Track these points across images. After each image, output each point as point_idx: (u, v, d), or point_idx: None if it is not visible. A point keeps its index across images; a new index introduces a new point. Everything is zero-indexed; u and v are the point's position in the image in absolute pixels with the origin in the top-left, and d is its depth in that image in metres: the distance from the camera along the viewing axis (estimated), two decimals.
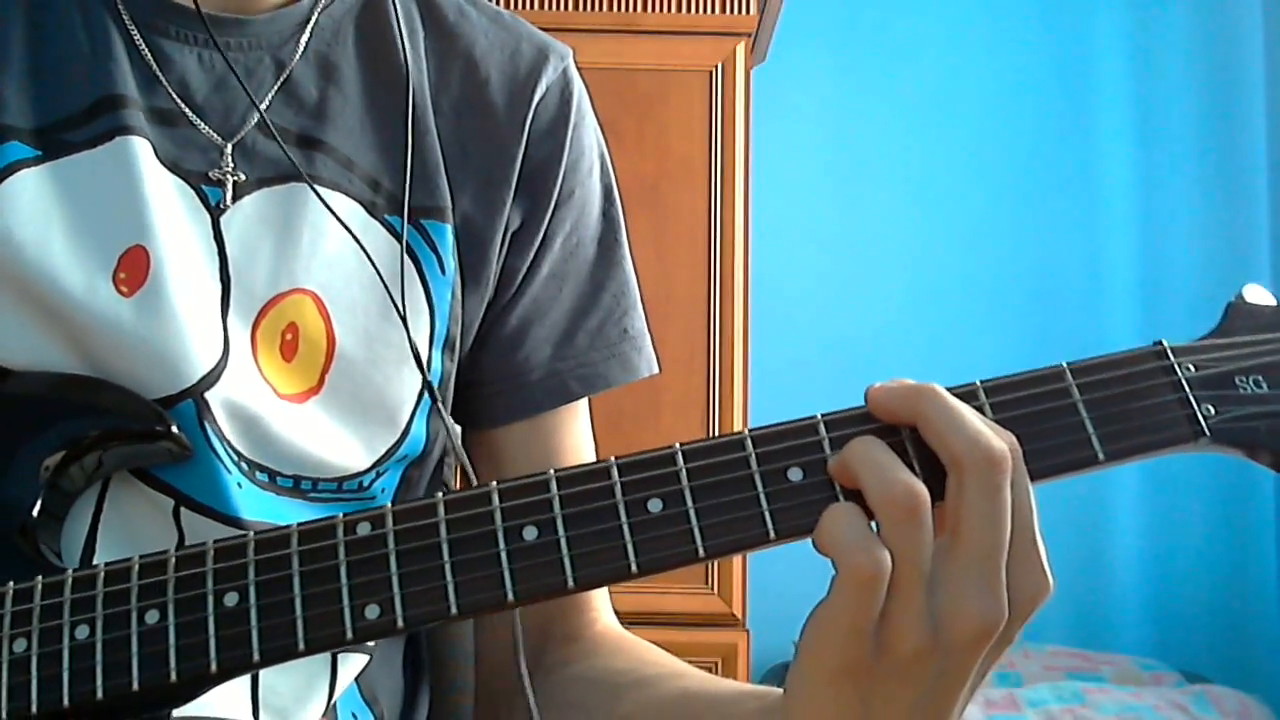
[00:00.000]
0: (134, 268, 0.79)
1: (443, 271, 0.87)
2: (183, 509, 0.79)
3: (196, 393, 0.78)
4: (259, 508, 0.80)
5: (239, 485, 0.80)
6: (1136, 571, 2.89)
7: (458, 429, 0.96)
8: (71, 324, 0.78)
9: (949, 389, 0.62)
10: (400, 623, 0.62)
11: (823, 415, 0.63)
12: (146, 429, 0.77)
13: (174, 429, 0.77)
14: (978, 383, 0.63)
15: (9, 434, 0.76)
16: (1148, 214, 2.99)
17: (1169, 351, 0.64)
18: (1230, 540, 2.89)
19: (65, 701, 0.63)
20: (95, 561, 0.75)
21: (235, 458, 0.80)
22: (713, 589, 2.32)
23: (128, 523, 0.78)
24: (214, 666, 0.62)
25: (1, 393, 0.78)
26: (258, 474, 0.81)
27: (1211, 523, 2.87)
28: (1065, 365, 0.64)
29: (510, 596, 0.62)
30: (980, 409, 0.62)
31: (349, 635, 0.62)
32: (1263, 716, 2.44)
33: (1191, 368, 0.64)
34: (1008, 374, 0.64)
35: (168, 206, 0.80)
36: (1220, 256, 2.97)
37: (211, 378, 0.79)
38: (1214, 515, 2.86)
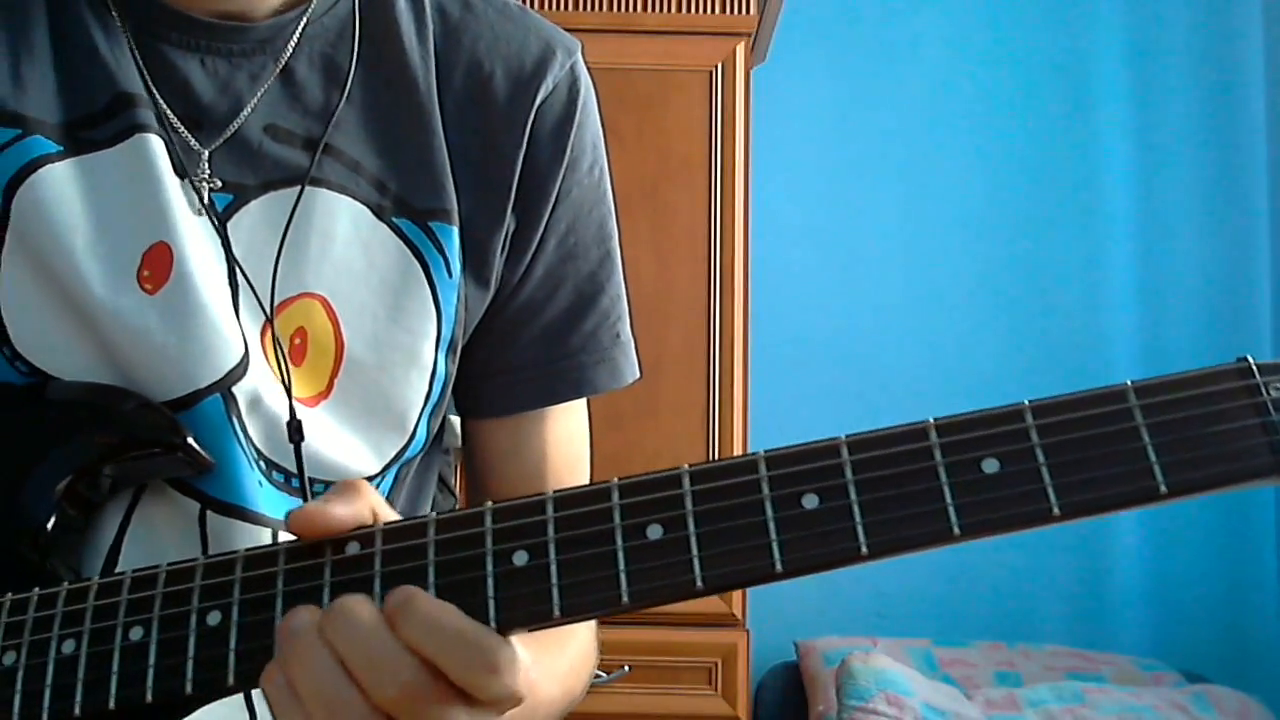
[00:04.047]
0: (158, 264, 0.79)
1: (449, 275, 0.86)
2: (209, 513, 0.79)
3: (224, 387, 0.79)
4: (277, 508, 0.80)
5: (259, 484, 0.80)
6: (1136, 571, 2.89)
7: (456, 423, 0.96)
8: (99, 322, 0.78)
9: (996, 409, 0.58)
10: None
11: (847, 437, 0.59)
12: (162, 442, 0.77)
13: (190, 441, 0.77)
14: (1025, 403, 0.58)
15: (28, 449, 0.76)
16: (1148, 215, 2.99)
17: (1255, 369, 0.56)
18: (1230, 540, 2.89)
19: (44, 718, 0.62)
20: (117, 571, 0.75)
21: (256, 455, 0.80)
22: None
23: (153, 531, 0.79)
24: (189, 688, 0.61)
25: (30, 404, 0.78)
26: (274, 474, 0.81)
27: (1211, 523, 2.87)
28: (1129, 384, 0.57)
29: (493, 625, 0.59)
30: (1025, 431, 0.57)
31: None
32: (1263, 716, 2.44)
33: None
34: (1064, 393, 0.58)
35: (182, 207, 0.81)
36: (1220, 257, 2.97)
37: (238, 372, 0.79)
38: (1214, 515, 2.86)
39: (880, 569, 2.91)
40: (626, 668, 2.28)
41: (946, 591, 2.83)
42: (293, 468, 0.82)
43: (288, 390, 0.80)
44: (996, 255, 2.96)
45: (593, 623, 0.93)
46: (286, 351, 0.82)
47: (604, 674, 2.25)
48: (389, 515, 0.64)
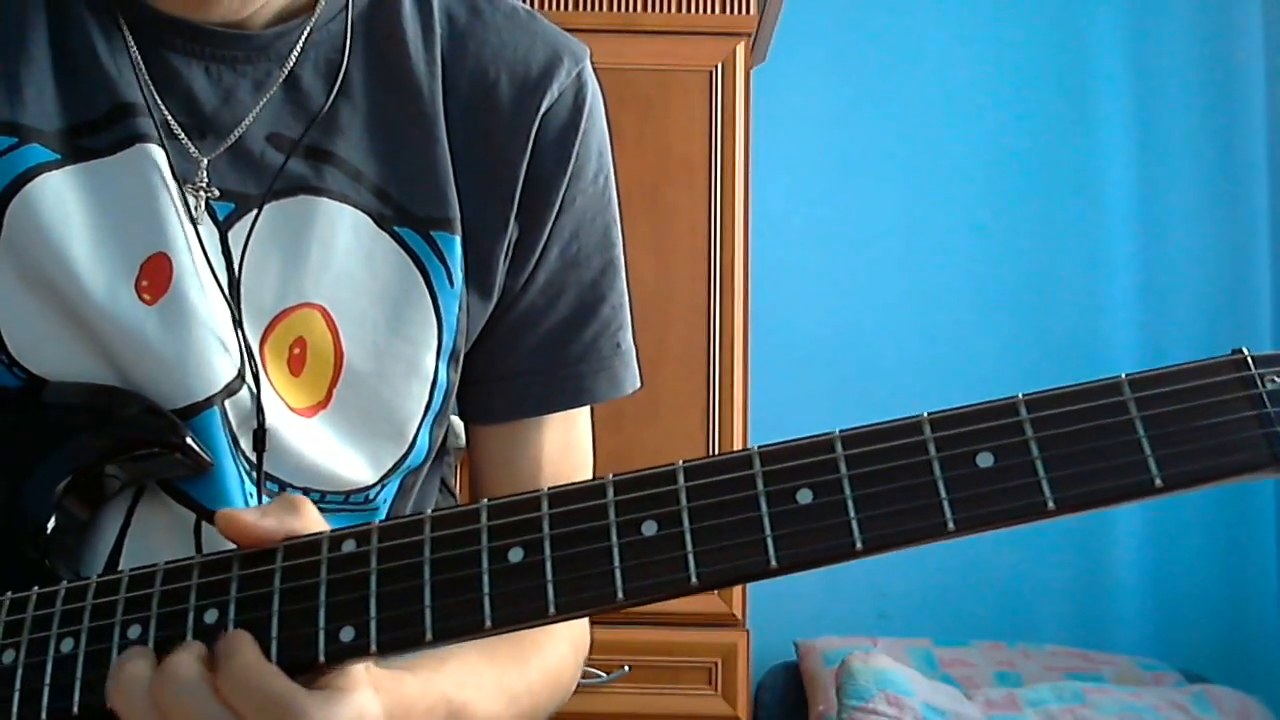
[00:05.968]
0: (156, 275, 0.79)
1: (451, 284, 0.86)
2: (204, 524, 0.79)
3: (218, 401, 0.79)
4: None
5: (250, 496, 0.80)
6: (1136, 571, 2.89)
7: (460, 427, 0.95)
8: (96, 330, 0.78)
9: (990, 402, 0.58)
10: (374, 646, 0.60)
11: (841, 432, 0.59)
12: (162, 442, 0.77)
13: (189, 441, 0.77)
14: (1019, 396, 0.58)
15: (29, 448, 0.76)
16: (1148, 215, 2.99)
17: (1250, 361, 0.56)
18: (1230, 540, 2.89)
19: (43, 716, 0.63)
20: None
21: (249, 466, 0.80)
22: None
23: (150, 538, 0.79)
24: None
25: (29, 405, 0.78)
26: (268, 484, 0.81)
27: (1211, 523, 2.87)
28: (1124, 377, 0.57)
29: (488, 623, 0.59)
30: (1019, 425, 0.57)
31: (321, 658, 0.60)
32: (1263, 716, 2.44)
33: (1277, 379, 0.55)
34: (1059, 386, 0.57)
35: (182, 217, 0.80)
36: (1220, 258, 2.97)
37: (233, 387, 0.79)
38: (1214, 515, 2.86)
39: (881, 569, 2.90)
40: (626, 668, 2.28)
41: (946, 591, 2.83)
42: (286, 478, 0.82)
43: (258, 403, 0.80)
44: (996, 255, 2.96)
45: (575, 637, 0.93)
46: (285, 361, 0.82)
47: (604, 674, 2.25)
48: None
